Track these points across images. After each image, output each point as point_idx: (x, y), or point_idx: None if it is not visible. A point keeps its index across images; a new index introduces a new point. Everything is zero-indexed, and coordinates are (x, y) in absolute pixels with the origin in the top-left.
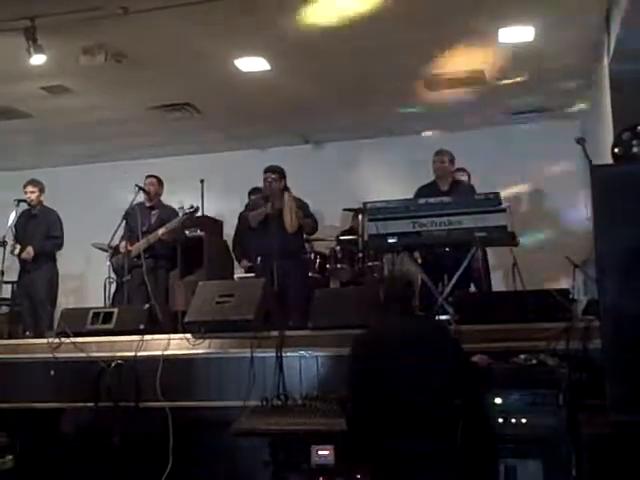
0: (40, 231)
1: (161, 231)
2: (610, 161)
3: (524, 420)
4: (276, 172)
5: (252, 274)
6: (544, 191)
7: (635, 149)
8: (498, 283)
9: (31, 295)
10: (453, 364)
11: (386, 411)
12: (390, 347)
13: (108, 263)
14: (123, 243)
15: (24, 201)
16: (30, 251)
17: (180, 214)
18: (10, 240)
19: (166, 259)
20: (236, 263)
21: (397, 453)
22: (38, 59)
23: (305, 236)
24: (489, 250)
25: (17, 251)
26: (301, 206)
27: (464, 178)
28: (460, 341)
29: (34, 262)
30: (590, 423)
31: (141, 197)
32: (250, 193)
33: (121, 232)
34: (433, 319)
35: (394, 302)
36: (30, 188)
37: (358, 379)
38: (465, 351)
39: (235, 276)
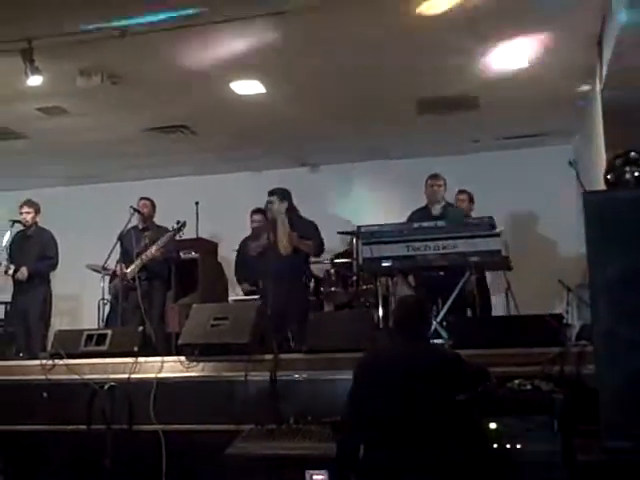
0: (34, 252)
1: (154, 248)
2: (602, 187)
3: (519, 446)
4: (276, 194)
5: (252, 297)
6: (538, 215)
7: (627, 175)
8: (492, 307)
9: (25, 316)
10: (460, 395)
11: (384, 435)
12: (396, 372)
13: (102, 285)
14: (119, 266)
15: (19, 222)
16: (24, 272)
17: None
18: (4, 261)
19: (161, 280)
20: (235, 285)
21: (392, 476)
22: (35, 80)
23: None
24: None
25: (11, 272)
26: (303, 226)
27: (464, 198)
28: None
29: (28, 283)
30: (585, 449)
31: (135, 220)
32: (252, 213)
33: (116, 256)
34: (444, 347)
35: (405, 326)
36: (26, 209)
37: (359, 400)
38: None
39: (230, 298)
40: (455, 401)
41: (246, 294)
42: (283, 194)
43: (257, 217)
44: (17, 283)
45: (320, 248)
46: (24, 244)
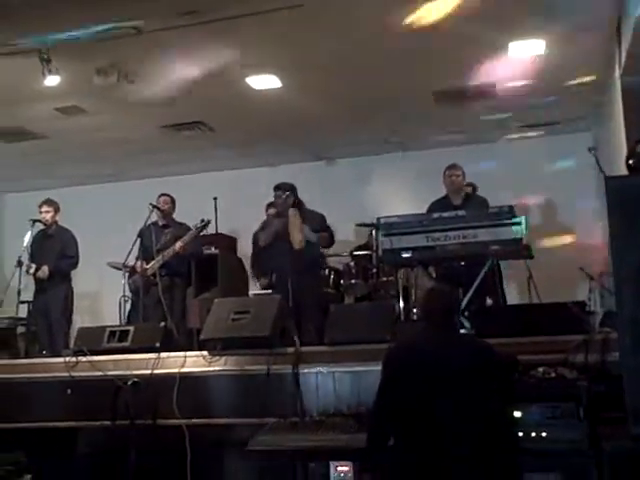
0: (55, 251)
1: (178, 244)
2: (623, 172)
3: (544, 434)
4: (284, 189)
5: (270, 291)
6: (558, 203)
7: None
8: (513, 296)
9: (47, 314)
10: (492, 386)
11: (414, 424)
12: (430, 362)
13: (123, 282)
14: (139, 263)
15: (39, 221)
16: (45, 270)
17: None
18: (26, 260)
19: (182, 276)
20: (254, 280)
21: (422, 466)
22: (52, 80)
23: (322, 250)
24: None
25: (32, 270)
26: (314, 219)
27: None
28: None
29: (49, 281)
30: (611, 436)
31: (154, 216)
32: (268, 207)
33: (136, 252)
34: (476, 337)
35: (435, 315)
36: (45, 208)
37: (391, 391)
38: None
39: (250, 293)
40: (487, 391)
41: (264, 289)
42: (291, 188)
43: (272, 211)
44: (38, 282)
45: (331, 240)
46: (44, 243)
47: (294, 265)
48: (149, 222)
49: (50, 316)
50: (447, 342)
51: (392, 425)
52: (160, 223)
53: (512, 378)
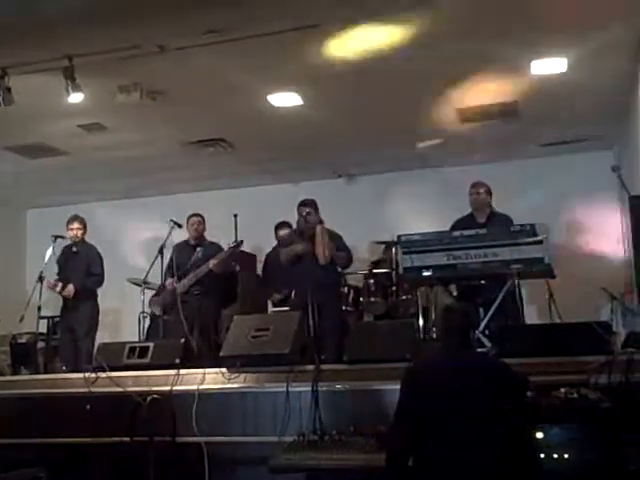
0: (81, 268)
1: (212, 262)
2: None
3: (566, 455)
4: (311, 205)
5: (284, 308)
6: (579, 222)
7: None
8: (533, 316)
9: (73, 330)
10: (509, 405)
11: (432, 444)
12: (450, 380)
13: (142, 298)
14: (169, 280)
15: (61, 237)
16: (71, 289)
17: (225, 248)
18: (48, 276)
19: (215, 294)
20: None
21: None
22: (76, 97)
23: (339, 269)
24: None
25: (59, 289)
26: (334, 238)
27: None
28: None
29: (75, 299)
30: (635, 459)
31: (185, 235)
32: (277, 228)
33: (157, 269)
34: (492, 356)
35: (452, 334)
36: (76, 225)
37: (412, 408)
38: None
39: (270, 310)
40: (504, 410)
41: (275, 305)
42: (316, 204)
43: (283, 232)
44: (65, 299)
45: (350, 261)
46: (71, 260)
47: (315, 282)
48: (182, 240)
49: (76, 333)
50: (462, 361)
51: (411, 445)
52: (192, 242)
53: (525, 399)
